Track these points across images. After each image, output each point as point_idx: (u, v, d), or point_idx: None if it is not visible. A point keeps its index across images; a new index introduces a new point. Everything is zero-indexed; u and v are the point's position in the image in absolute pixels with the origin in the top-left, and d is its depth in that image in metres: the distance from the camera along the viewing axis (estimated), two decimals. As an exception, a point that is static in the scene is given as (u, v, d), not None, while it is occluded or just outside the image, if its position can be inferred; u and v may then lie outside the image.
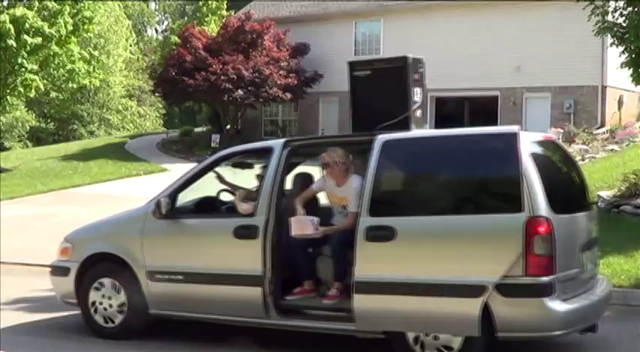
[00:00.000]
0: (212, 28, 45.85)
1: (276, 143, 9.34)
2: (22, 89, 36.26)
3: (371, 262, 8.13)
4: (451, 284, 7.74)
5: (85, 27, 38.66)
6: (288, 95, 37.36)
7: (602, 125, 32.38)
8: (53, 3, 36.37)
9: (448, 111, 37.22)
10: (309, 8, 40.91)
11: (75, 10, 37.40)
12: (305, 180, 9.84)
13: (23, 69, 34.97)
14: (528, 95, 34.47)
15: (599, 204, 17.02)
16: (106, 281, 9.82)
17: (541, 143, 8.72)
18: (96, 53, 42.74)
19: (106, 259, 9.89)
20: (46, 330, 10.42)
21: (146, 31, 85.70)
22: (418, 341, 8.04)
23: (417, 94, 9.29)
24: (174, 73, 37.34)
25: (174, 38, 46.44)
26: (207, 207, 10.18)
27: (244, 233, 8.91)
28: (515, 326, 7.68)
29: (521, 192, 7.54)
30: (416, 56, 9.57)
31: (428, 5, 36.84)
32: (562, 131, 29.45)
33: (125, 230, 9.93)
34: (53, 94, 43.95)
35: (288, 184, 9.90)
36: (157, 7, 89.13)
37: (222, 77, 35.96)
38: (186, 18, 71.71)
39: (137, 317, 9.65)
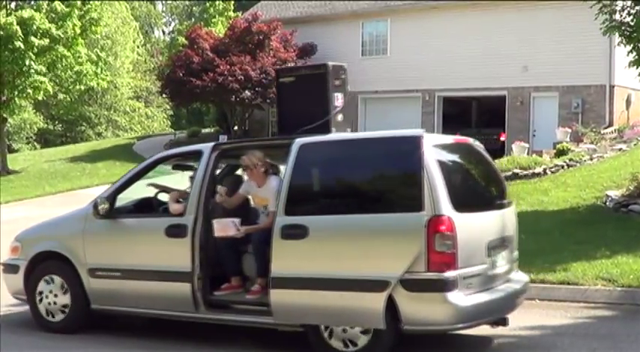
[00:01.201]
0: (219, 29, 45.91)
1: (206, 146, 9.79)
2: (30, 91, 36.35)
3: (286, 259, 8.58)
4: (358, 279, 8.14)
5: (93, 29, 38.77)
6: (296, 96, 37.33)
7: (610, 124, 32.29)
8: (61, 5, 36.45)
9: (455, 111, 37.22)
10: (315, 9, 40.91)
11: (82, 12, 37.49)
12: (235, 182, 10.26)
13: (32, 70, 35.05)
14: (536, 95, 34.40)
15: (607, 203, 17.02)
16: (52, 278, 10.29)
17: (451, 145, 9.16)
18: (103, 55, 42.77)
19: (51, 257, 10.35)
20: (44, 332, 10.40)
21: (153, 33, 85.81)
22: (331, 333, 8.44)
23: (338, 99, 9.71)
24: (181, 74, 37.39)
25: (182, 39, 46.47)
26: (145, 207, 10.58)
27: (174, 232, 9.36)
28: (419, 319, 8.08)
29: (422, 192, 7.93)
30: (337, 63, 10.03)
31: (435, 5, 36.79)
32: (570, 130, 29.39)
33: (69, 229, 10.39)
34: (61, 96, 43.96)
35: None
36: (164, 8, 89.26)
37: (230, 78, 36.00)
38: (193, 19, 71.76)
39: (80, 312, 10.13)
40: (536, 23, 33.59)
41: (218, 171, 10.36)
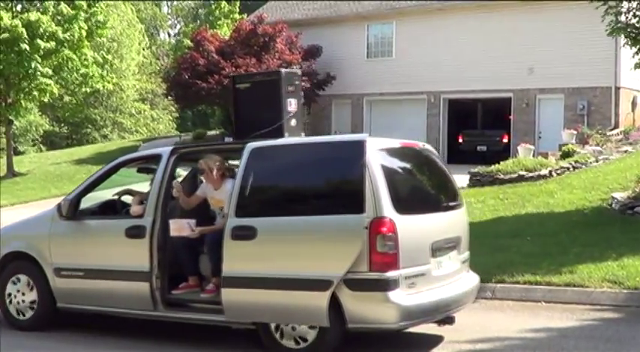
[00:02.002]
0: (224, 32, 45.94)
1: (165, 150, 10.14)
2: (36, 93, 36.43)
3: (236, 259, 8.88)
4: (303, 278, 8.42)
5: (99, 31, 38.87)
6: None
7: (616, 126, 32.26)
8: (68, 8, 36.53)
9: (461, 113, 37.22)
10: (321, 11, 40.95)
11: (88, 15, 37.56)
12: (194, 184, 10.57)
13: (38, 73, 35.12)
14: (541, 96, 34.39)
15: (613, 205, 16.99)
16: (21, 277, 10.59)
17: (397, 150, 9.35)
18: (109, 57, 42.87)
19: (21, 257, 10.66)
20: (45, 332, 10.46)
21: (159, 35, 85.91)
22: (280, 331, 8.73)
23: (291, 105, 10.01)
24: (187, 77, 37.42)
25: (187, 42, 46.48)
26: (109, 209, 10.85)
27: (134, 233, 9.66)
28: (362, 318, 8.34)
29: (364, 195, 8.17)
30: (291, 70, 10.47)
31: (440, 8, 36.81)
32: (576, 132, 29.35)
33: (36, 230, 10.73)
34: (67, 98, 44.09)
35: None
36: (170, 10, 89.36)
37: (235, 80, 35.99)
38: (198, 21, 71.77)
39: (46, 310, 10.42)
40: (542, 25, 33.57)
41: (185, 175, 10.87)
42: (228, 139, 36.83)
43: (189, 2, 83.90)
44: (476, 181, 22.40)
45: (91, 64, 38.15)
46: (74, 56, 36.85)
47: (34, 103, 40.60)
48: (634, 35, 17.13)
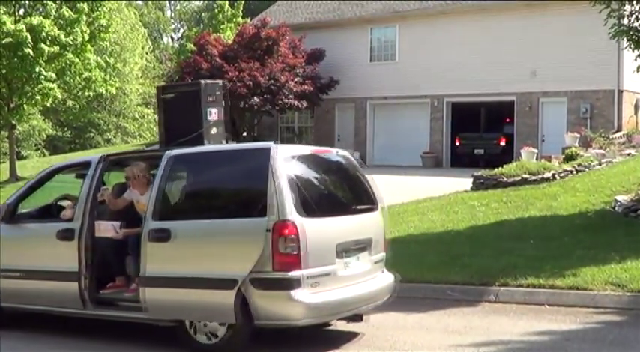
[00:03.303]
0: (228, 36, 45.94)
1: (94, 158, 10.84)
2: (39, 98, 36.47)
3: (154, 260, 9.40)
4: (213, 278, 8.93)
5: (101, 35, 38.94)
6: (304, 103, 37.42)
7: (619, 129, 32.26)
8: (70, 12, 36.57)
9: (464, 116, 37.20)
10: (324, 15, 40.97)
11: (91, 19, 37.61)
12: (121, 189, 10.99)
13: (41, 77, 35.17)
14: (544, 100, 34.39)
15: (616, 208, 17.00)
16: None
17: (307, 156, 9.87)
18: (112, 61, 42.92)
19: None
20: (45, 333, 10.60)
21: (162, 39, 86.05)
22: (192, 326, 9.22)
23: (211, 114, 10.68)
24: (190, 81, 37.37)
25: (190, 46, 46.48)
26: (46, 213, 11.41)
27: (64, 235, 10.21)
28: (268, 315, 8.82)
29: (267, 199, 8.74)
30: (213, 81, 11.23)
31: (443, 11, 36.86)
32: (579, 135, 29.37)
33: None
34: (70, 102, 44.14)
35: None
36: (173, 14, 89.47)
37: (238, 84, 36.03)
38: (201, 25, 71.86)
39: None
40: (545, 28, 33.60)
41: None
42: (231, 143, 37.03)
43: (193, 6, 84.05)
44: (479, 184, 22.40)
45: (94, 68, 38.22)
46: (77, 60, 36.91)
47: (37, 108, 40.63)
48: (636, 38, 17.13)
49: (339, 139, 40.06)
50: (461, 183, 23.58)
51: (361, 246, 9.76)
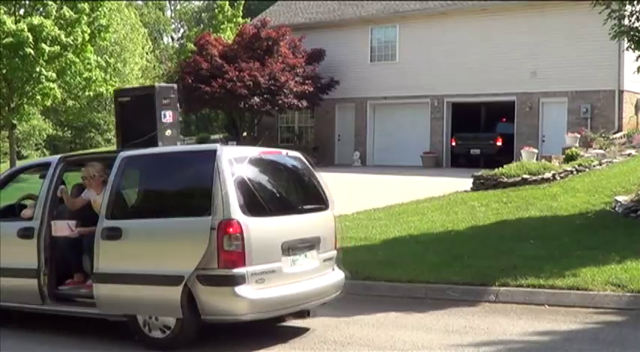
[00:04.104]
0: (228, 36, 46.00)
1: (54, 159, 11.27)
2: (39, 97, 36.46)
3: (106, 257, 9.78)
4: (161, 275, 9.27)
5: (102, 35, 38.88)
6: (304, 103, 37.44)
7: (619, 129, 32.26)
8: (70, 12, 36.56)
9: (464, 116, 37.21)
10: (324, 15, 40.99)
11: (91, 19, 37.60)
12: (80, 188, 11.33)
13: (42, 77, 35.16)
14: (545, 100, 34.40)
15: (616, 208, 16.99)
16: None
17: (255, 158, 10.13)
18: (112, 61, 42.89)
19: None
20: (45, 333, 10.62)
21: (162, 39, 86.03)
22: (146, 322, 9.55)
23: (166, 117, 11.05)
24: (190, 81, 37.42)
25: (190, 46, 46.59)
26: (10, 212, 11.70)
27: (24, 234, 10.60)
28: (214, 310, 9.17)
29: (213, 199, 9.06)
30: (167, 85, 11.67)
31: (443, 11, 36.87)
32: (579, 136, 29.36)
33: None
34: (70, 102, 44.11)
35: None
36: (173, 14, 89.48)
37: (238, 84, 36.05)
38: (202, 25, 71.93)
39: None
40: (545, 29, 33.62)
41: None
42: (231, 143, 37.06)
43: (193, 6, 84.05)
44: (479, 184, 22.39)
45: (95, 67, 38.19)
46: (77, 60, 36.89)
47: (37, 107, 40.61)
48: (637, 38, 17.11)
49: (339, 139, 40.11)
50: (461, 183, 23.57)
51: (308, 245, 10.08)
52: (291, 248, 9.75)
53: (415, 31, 37.64)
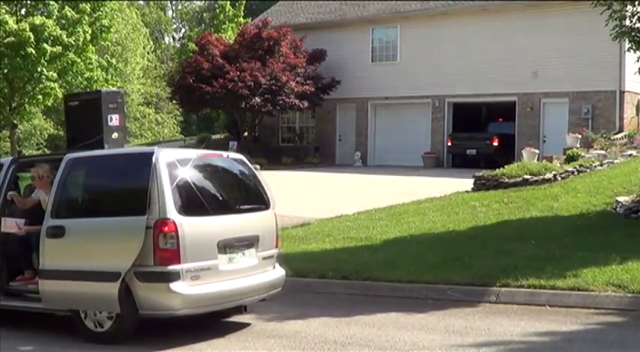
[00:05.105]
0: (229, 36, 46.02)
1: (6, 160, 11.72)
2: (40, 97, 36.47)
3: (50, 254, 10.20)
4: (100, 271, 9.66)
5: (103, 35, 38.92)
6: (305, 103, 37.44)
7: (621, 130, 32.25)
8: (72, 12, 36.58)
9: (465, 117, 37.21)
10: (325, 15, 40.99)
11: (93, 19, 37.61)
12: (31, 189, 11.78)
13: (43, 77, 35.17)
14: (546, 100, 34.39)
15: (617, 209, 16.98)
16: None
17: (194, 160, 10.47)
18: (114, 61, 42.93)
19: None
20: (45, 333, 10.64)
21: (163, 39, 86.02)
22: (88, 316, 9.97)
23: (112, 120, 11.58)
24: (191, 80, 37.43)
25: (192, 45, 46.60)
26: None
27: None
28: (151, 305, 9.58)
29: (150, 199, 9.49)
30: (113, 90, 12.37)
31: (444, 12, 36.88)
32: (580, 136, 29.36)
33: None
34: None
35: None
36: (174, 14, 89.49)
37: (240, 84, 36.04)
38: (203, 25, 71.92)
39: None
40: (546, 29, 33.60)
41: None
42: (232, 143, 37.10)
43: (194, 6, 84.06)
44: (480, 185, 22.38)
45: (96, 67, 38.26)
46: (79, 60, 36.92)
47: (38, 107, 40.64)
48: (638, 39, 17.10)
49: (340, 139, 40.12)
50: (462, 183, 23.56)
51: (246, 243, 10.49)
52: (228, 246, 10.17)
53: (416, 31, 37.65)
